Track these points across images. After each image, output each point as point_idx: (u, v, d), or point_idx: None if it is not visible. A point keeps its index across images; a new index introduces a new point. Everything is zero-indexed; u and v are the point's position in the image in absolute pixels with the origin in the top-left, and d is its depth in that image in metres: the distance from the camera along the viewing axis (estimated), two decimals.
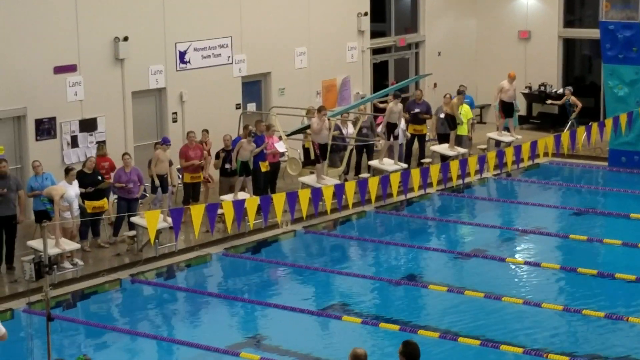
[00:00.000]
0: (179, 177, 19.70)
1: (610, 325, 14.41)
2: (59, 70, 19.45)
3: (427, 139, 24.30)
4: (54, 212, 16.39)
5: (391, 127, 21.25)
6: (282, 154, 21.32)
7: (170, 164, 18.37)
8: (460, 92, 23.09)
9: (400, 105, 21.47)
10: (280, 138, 21.57)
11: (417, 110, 23.25)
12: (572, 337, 14.24)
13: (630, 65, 22.84)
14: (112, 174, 18.51)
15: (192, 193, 19.42)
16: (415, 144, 23.35)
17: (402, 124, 22.10)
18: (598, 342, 13.93)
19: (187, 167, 19.25)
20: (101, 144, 19.70)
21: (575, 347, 13.68)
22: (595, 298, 15.49)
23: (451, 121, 22.72)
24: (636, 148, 23.24)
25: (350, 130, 22.40)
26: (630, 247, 17.77)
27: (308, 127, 22.29)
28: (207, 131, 20.37)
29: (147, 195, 18.60)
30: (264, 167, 19.90)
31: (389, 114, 21.25)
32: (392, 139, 21.30)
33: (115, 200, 18.87)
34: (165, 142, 18.43)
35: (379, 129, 22.22)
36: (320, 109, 20.46)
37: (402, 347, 8.96)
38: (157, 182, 17.98)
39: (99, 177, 17.86)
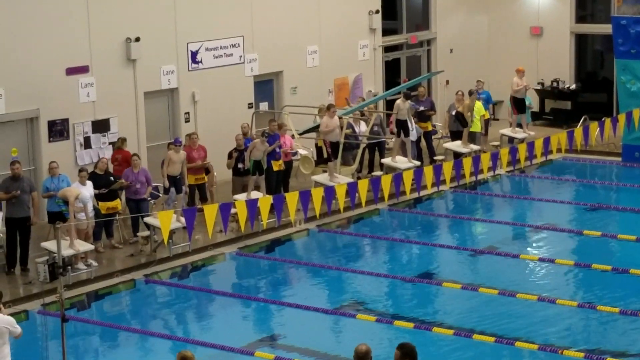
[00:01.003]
0: None
1: (625, 321, 14.36)
2: (71, 71, 19.50)
3: (439, 136, 24.29)
4: (68, 214, 16.43)
5: (400, 124, 21.23)
6: (295, 153, 21.32)
7: (183, 164, 18.41)
8: (471, 93, 23.04)
9: (408, 103, 21.44)
10: (293, 137, 21.58)
11: (421, 108, 23.21)
12: (587, 333, 14.21)
13: None
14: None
15: (198, 194, 19.43)
16: (423, 142, 23.28)
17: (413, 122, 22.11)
18: (613, 338, 13.89)
19: (190, 168, 19.23)
20: (121, 138, 19.70)
21: (591, 344, 13.64)
22: (610, 294, 15.44)
23: (463, 119, 22.69)
24: None
25: (363, 128, 22.39)
26: None
27: (318, 127, 22.30)
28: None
29: (160, 195, 18.63)
30: (277, 166, 19.90)
31: (397, 112, 21.25)
32: (402, 135, 21.28)
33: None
34: (177, 142, 18.46)
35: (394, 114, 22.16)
36: (329, 107, 20.47)
37: (399, 352, 8.86)
38: (166, 183, 18.03)
39: (112, 178, 17.90)
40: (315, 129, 22.40)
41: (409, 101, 21.59)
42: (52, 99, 19.21)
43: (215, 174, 20.39)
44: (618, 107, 24.37)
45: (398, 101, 21.46)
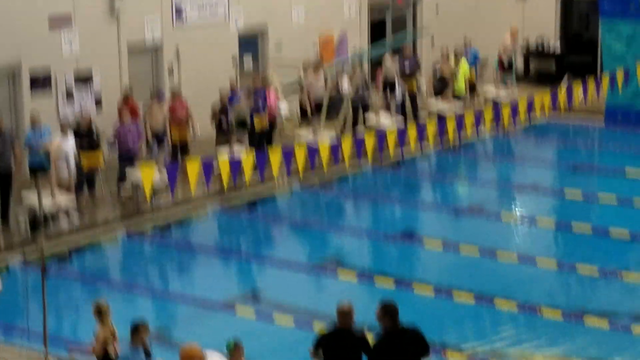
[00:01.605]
0: None
1: (604, 282, 14.48)
2: (54, 23, 19.30)
3: (424, 95, 24.25)
4: (50, 167, 16.35)
5: (387, 84, 21.20)
6: (280, 109, 21.23)
7: (165, 119, 18.36)
8: (455, 55, 22.98)
9: (395, 63, 21.42)
10: (277, 92, 21.48)
11: (406, 66, 23.10)
12: (566, 292, 14.32)
13: (628, 20, 22.70)
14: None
15: (180, 150, 19.34)
16: (408, 103, 23.18)
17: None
18: (592, 298, 14.01)
19: (174, 122, 19.13)
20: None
21: (569, 302, 13.75)
22: (589, 254, 15.54)
23: (445, 81, 22.68)
24: (633, 105, 23.19)
25: (345, 85, 22.33)
26: (625, 204, 17.81)
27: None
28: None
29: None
30: (258, 120, 19.78)
31: (385, 71, 21.20)
32: (388, 93, 21.26)
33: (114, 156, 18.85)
34: (160, 96, 18.33)
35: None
36: (316, 65, 20.38)
37: (381, 310, 8.90)
38: (149, 136, 17.95)
39: (94, 132, 17.75)
40: (298, 83, 22.26)
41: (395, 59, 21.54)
42: (34, 52, 19.02)
43: (198, 130, 20.30)
44: (602, 69, 24.37)
45: (386, 58, 21.40)
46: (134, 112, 18.77)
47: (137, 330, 10.09)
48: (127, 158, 17.97)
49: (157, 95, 18.42)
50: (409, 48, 24.37)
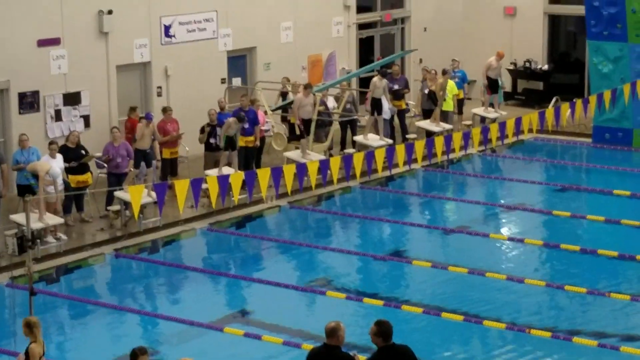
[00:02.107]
0: None
1: (592, 301, 14.50)
2: (42, 43, 19.32)
3: (412, 114, 24.31)
4: (38, 187, 16.32)
5: (375, 103, 21.24)
6: (267, 130, 21.28)
7: (154, 139, 18.36)
8: (445, 72, 23.07)
9: (384, 81, 21.49)
10: (265, 113, 21.53)
11: (396, 86, 23.22)
12: (554, 312, 14.33)
13: (614, 42, 22.86)
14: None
15: (170, 169, 19.42)
16: (396, 120, 23.29)
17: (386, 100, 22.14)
18: (580, 318, 14.03)
19: (165, 141, 19.23)
20: (131, 107, 19.70)
21: (558, 323, 13.77)
22: (577, 274, 15.57)
23: (435, 97, 22.74)
24: (620, 125, 23.31)
25: (331, 104, 22.39)
26: (613, 223, 17.86)
27: (292, 102, 22.26)
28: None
29: (131, 169, 18.55)
30: (243, 141, 19.78)
31: (373, 90, 21.26)
32: (375, 114, 21.31)
33: (102, 175, 18.82)
34: (148, 117, 18.37)
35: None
36: (306, 86, 20.42)
37: (375, 328, 9.01)
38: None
39: (83, 152, 17.79)
40: (288, 105, 22.36)
41: (384, 79, 21.60)
42: (23, 71, 19.04)
43: (187, 148, 20.34)
44: (589, 89, 24.49)
45: (374, 79, 21.47)
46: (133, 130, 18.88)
47: (135, 356, 9.90)
48: (115, 177, 17.97)
49: (145, 116, 18.43)
50: (398, 67, 24.46)
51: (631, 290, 14.84)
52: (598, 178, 21.17)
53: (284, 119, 22.64)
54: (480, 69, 24.82)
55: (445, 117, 23.08)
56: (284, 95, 22.73)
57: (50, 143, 17.24)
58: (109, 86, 20.54)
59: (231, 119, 18.89)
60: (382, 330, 9.03)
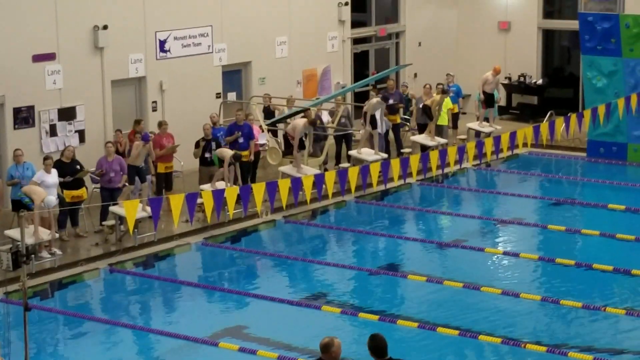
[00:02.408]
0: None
1: (587, 316, 14.49)
2: (37, 58, 19.34)
3: (407, 129, 24.35)
4: (33, 205, 16.28)
5: (371, 118, 21.29)
6: (263, 145, 21.30)
7: (148, 155, 18.41)
8: (445, 92, 23.12)
9: (381, 102, 21.54)
10: (260, 127, 21.55)
11: (390, 100, 23.26)
12: (549, 327, 14.31)
13: (608, 56, 22.93)
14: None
15: (164, 183, 19.43)
16: (391, 134, 23.34)
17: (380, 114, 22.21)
18: (576, 333, 14.01)
19: (161, 156, 19.26)
20: (137, 120, 19.73)
21: (553, 337, 13.75)
22: (573, 288, 15.57)
23: (429, 112, 22.78)
24: (614, 139, 23.37)
25: (325, 119, 22.42)
26: (608, 237, 17.88)
27: (288, 116, 22.30)
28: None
29: (126, 185, 18.55)
30: (244, 157, 19.91)
31: (371, 108, 21.25)
32: (370, 128, 21.34)
33: (96, 190, 18.81)
34: (145, 138, 18.28)
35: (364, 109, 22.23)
36: (312, 122, 20.22)
37: (369, 341, 9.04)
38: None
39: (78, 167, 17.79)
40: (283, 119, 22.38)
41: (378, 98, 21.67)
42: (18, 86, 19.05)
43: (182, 162, 20.35)
44: (584, 103, 24.55)
45: (373, 101, 21.55)
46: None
47: None
48: (109, 191, 17.97)
49: (143, 137, 18.32)
50: (393, 82, 24.52)
51: (626, 304, 14.84)
52: (593, 192, 21.20)
53: (274, 133, 22.58)
54: (476, 83, 24.90)
55: (440, 131, 23.12)
56: (267, 111, 22.61)
57: (45, 158, 17.23)
58: (104, 101, 20.55)
59: (227, 154, 18.71)
60: (374, 345, 9.05)
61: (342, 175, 16.94)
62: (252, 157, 20.21)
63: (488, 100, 24.08)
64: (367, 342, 9.07)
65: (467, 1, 28.52)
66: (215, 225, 18.32)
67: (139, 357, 13.66)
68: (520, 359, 13.17)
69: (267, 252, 17.71)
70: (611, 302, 14.90)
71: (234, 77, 23.42)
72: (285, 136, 22.19)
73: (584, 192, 21.53)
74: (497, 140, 19.40)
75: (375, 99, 21.45)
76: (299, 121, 20.07)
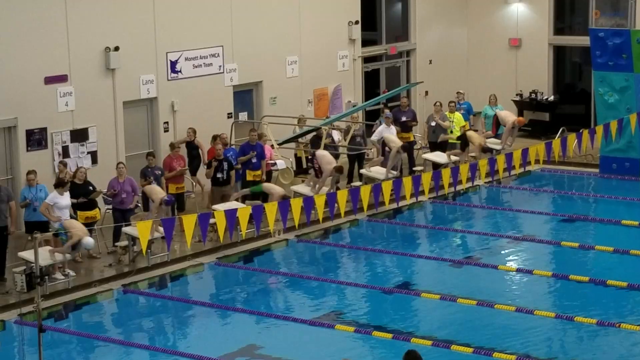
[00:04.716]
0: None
1: (602, 332, 14.43)
2: (49, 80, 19.44)
3: (419, 147, 24.35)
4: (65, 237, 16.28)
5: (382, 143, 21.41)
6: (274, 164, 21.34)
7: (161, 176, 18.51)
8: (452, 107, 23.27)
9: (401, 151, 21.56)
10: (272, 147, 21.59)
11: (403, 118, 23.30)
12: (564, 344, 14.26)
13: (620, 72, 22.91)
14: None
15: (177, 204, 19.46)
16: (405, 155, 23.31)
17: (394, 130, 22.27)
18: (590, 350, 13.96)
19: (170, 177, 19.34)
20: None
21: (568, 355, 13.70)
22: (587, 305, 15.51)
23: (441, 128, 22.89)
24: (627, 154, 23.31)
25: (336, 137, 22.46)
26: (622, 253, 17.82)
27: (300, 135, 22.35)
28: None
29: (140, 205, 18.60)
30: (251, 175, 19.94)
31: (388, 141, 21.28)
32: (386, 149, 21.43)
33: (109, 211, 18.85)
34: (168, 203, 17.86)
35: (372, 137, 22.28)
36: (338, 169, 20.23)
37: (405, 357, 9.05)
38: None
39: (90, 187, 17.83)
40: (294, 139, 22.42)
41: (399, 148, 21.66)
42: (30, 108, 19.14)
43: (194, 183, 20.39)
44: (596, 119, 24.52)
45: (380, 128, 21.64)
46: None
47: None
48: (120, 212, 18.01)
49: (165, 202, 18.10)
50: (407, 99, 24.54)
51: None
52: (606, 208, 21.14)
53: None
54: (486, 100, 24.96)
55: (452, 148, 23.13)
56: (190, 146, 21.31)
57: (62, 182, 17.18)
58: (116, 122, 20.62)
59: (157, 196, 17.96)
60: (411, 358, 9.10)
61: (354, 193, 16.95)
62: (264, 177, 20.24)
63: (498, 123, 24.14)
64: (403, 357, 9.08)
65: (477, 18, 28.56)
66: (228, 245, 18.33)
67: None
68: None
69: (280, 271, 17.70)
70: (626, 319, 14.83)
71: (245, 97, 23.48)
72: (297, 156, 22.23)
73: (597, 208, 21.47)
74: (509, 157, 19.39)
75: (394, 149, 21.19)
76: (328, 164, 19.55)
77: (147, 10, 21.01)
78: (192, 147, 20.79)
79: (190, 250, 17.91)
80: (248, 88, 23.52)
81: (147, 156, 19.24)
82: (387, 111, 23.32)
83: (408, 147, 21.36)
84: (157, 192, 17.80)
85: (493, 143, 24.07)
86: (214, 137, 20.37)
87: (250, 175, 19.98)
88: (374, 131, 22.32)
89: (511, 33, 28.15)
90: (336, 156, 21.86)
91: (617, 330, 14.41)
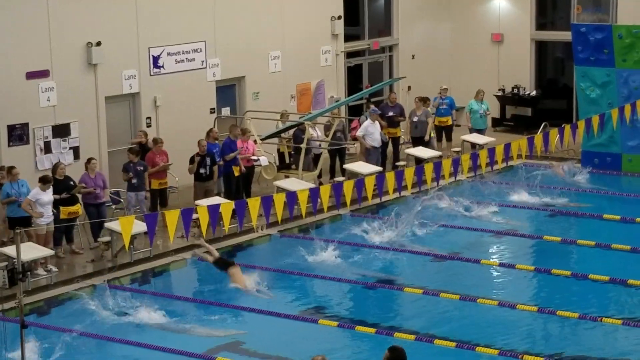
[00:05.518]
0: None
1: (583, 326, 14.50)
2: (31, 75, 19.36)
3: (401, 142, 24.38)
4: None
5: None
6: (257, 159, 21.31)
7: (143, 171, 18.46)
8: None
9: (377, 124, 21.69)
10: (255, 142, 21.57)
11: (390, 113, 23.34)
12: (546, 338, 14.33)
13: (601, 67, 22.99)
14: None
15: (159, 199, 19.46)
16: (390, 147, 23.43)
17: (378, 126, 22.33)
18: (572, 343, 14.01)
19: (153, 172, 19.31)
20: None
21: (550, 348, 13.75)
22: (569, 299, 15.58)
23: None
24: (608, 149, 23.42)
25: (318, 133, 22.48)
26: (604, 248, 17.90)
27: (283, 131, 22.34)
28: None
29: (121, 200, 18.55)
30: (237, 171, 19.97)
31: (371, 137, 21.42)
32: (368, 142, 21.46)
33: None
34: None
35: (358, 133, 22.33)
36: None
37: (389, 354, 9.01)
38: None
39: (71, 182, 17.78)
40: (277, 134, 22.41)
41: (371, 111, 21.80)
42: (12, 104, 19.05)
43: (177, 178, 20.36)
44: (578, 114, 24.59)
45: (366, 123, 21.69)
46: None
47: None
48: (95, 207, 17.99)
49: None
50: (394, 95, 24.56)
51: (622, 314, 14.85)
52: (588, 203, 21.20)
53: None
54: (470, 96, 25.02)
55: (426, 145, 23.38)
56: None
57: (46, 179, 17.11)
58: (98, 118, 20.56)
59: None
60: (396, 356, 9.08)
61: (337, 189, 16.96)
62: (243, 170, 20.24)
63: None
64: (386, 354, 9.05)
65: (460, 14, 28.61)
66: (211, 241, 18.31)
67: None
68: None
69: (263, 266, 17.69)
70: (608, 313, 14.91)
71: (228, 92, 23.45)
72: (280, 152, 22.23)
73: (579, 202, 21.53)
74: (491, 152, 19.43)
75: (367, 122, 21.36)
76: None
77: (130, 5, 20.96)
78: (145, 150, 20.36)
79: (173, 246, 17.87)
80: (231, 83, 23.49)
81: (129, 152, 19.20)
82: (372, 107, 23.35)
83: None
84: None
85: (476, 137, 24.18)
86: (208, 133, 20.34)
87: (237, 171, 20.04)
88: (354, 127, 22.38)
89: (493, 28, 28.22)
90: (318, 153, 21.87)
91: (598, 323, 14.48)
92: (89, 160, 18.44)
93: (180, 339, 14.40)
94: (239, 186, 20.08)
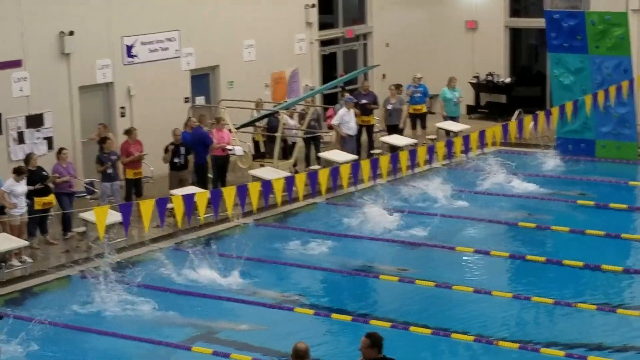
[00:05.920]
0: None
1: (558, 312, 14.58)
2: (3, 65, 19.22)
3: (375, 130, 24.40)
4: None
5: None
6: (232, 149, 21.26)
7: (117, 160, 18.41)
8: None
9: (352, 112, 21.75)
10: (230, 132, 21.53)
11: (364, 101, 23.35)
12: (522, 324, 14.40)
13: (575, 53, 23.08)
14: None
15: (134, 189, 19.41)
16: (364, 135, 23.44)
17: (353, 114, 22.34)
18: (547, 329, 14.10)
19: (128, 162, 19.25)
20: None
21: (525, 334, 13.83)
22: (543, 285, 15.66)
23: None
24: (582, 135, 23.54)
25: (293, 122, 22.48)
26: (578, 234, 18.00)
27: (258, 119, 22.30)
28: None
29: (96, 191, 18.49)
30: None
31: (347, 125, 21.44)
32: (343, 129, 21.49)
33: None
34: None
35: (333, 121, 22.35)
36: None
37: (368, 340, 9.07)
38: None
39: (44, 173, 17.69)
40: (252, 123, 22.37)
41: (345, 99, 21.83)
42: None
43: (151, 168, 20.29)
44: (552, 100, 24.69)
45: (341, 111, 21.72)
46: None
47: None
48: (67, 196, 17.93)
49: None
50: (367, 83, 24.57)
51: (597, 300, 14.96)
52: (562, 189, 21.30)
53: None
54: (443, 83, 25.06)
55: (400, 132, 23.48)
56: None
57: (20, 170, 17.00)
58: (72, 108, 20.45)
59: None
60: (375, 341, 9.19)
61: (313, 177, 16.95)
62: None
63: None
64: (364, 340, 9.11)
65: (435, 1, 28.62)
66: (187, 230, 18.27)
67: None
68: (493, 356, 13.24)
69: (239, 255, 17.66)
70: (582, 298, 15.00)
71: (202, 81, 23.38)
72: (255, 140, 22.20)
73: (554, 188, 21.62)
74: (466, 139, 19.48)
75: (342, 110, 21.45)
76: None
77: None
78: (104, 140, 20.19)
79: (148, 236, 17.82)
80: (205, 72, 23.42)
81: (100, 142, 19.10)
82: (347, 95, 23.35)
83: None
84: None
85: (451, 125, 24.23)
86: (186, 123, 20.32)
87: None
88: (329, 116, 22.38)
89: (468, 15, 28.25)
90: (293, 141, 21.86)
91: (573, 309, 14.57)
92: (60, 150, 18.36)
93: (156, 329, 14.37)
94: (214, 175, 20.02)
